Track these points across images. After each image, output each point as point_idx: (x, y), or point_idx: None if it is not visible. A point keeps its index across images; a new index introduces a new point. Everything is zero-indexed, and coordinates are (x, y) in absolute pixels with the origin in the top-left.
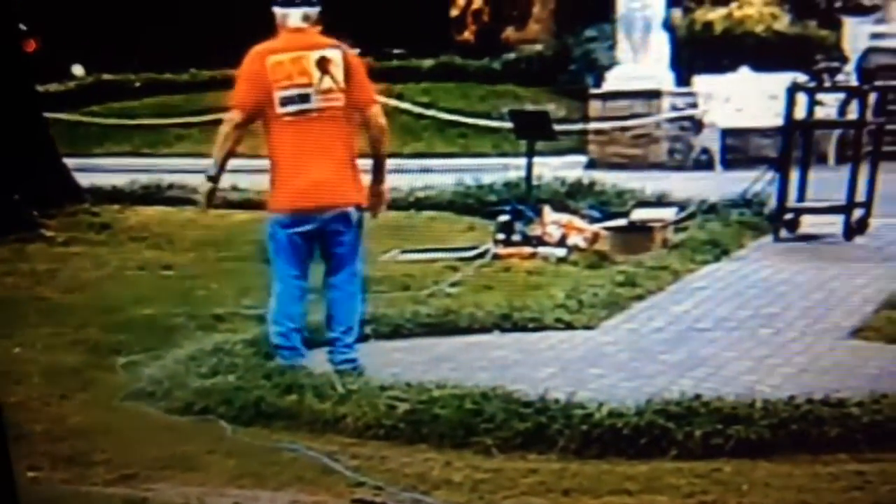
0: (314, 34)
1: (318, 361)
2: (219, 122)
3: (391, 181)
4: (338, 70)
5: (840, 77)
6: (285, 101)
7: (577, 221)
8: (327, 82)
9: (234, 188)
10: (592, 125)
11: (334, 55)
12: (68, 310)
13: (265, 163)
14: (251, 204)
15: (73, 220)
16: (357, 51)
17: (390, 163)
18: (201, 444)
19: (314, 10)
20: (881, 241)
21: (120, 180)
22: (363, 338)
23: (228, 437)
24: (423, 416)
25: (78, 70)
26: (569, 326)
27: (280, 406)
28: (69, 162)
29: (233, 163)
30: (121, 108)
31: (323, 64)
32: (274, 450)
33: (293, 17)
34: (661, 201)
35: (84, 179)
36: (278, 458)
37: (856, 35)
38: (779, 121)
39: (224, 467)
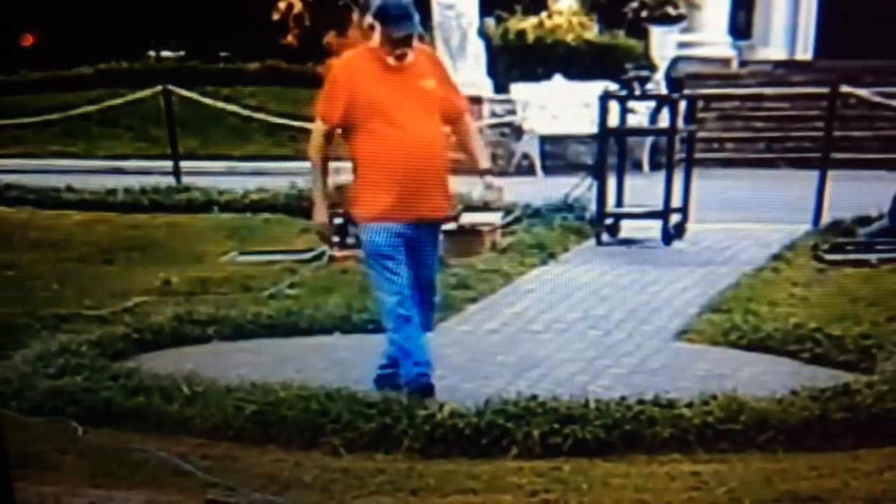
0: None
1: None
2: (53, 123)
3: (225, 183)
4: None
5: (650, 85)
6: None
7: None
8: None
9: (69, 189)
10: None
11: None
12: None
13: (99, 164)
14: (87, 204)
15: None
16: (182, 53)
17: (222, 165)
18: (54, 444)
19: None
20: (698, 245)
21: None
22: (206, 339)
23: (80, 437)
24: (270, 417)
25: None
26: None
27: (128, 407)
28: None
29: (69, 163)
30: None
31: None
32: (126, 450)
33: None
34: (487, 206)
35: None
36: (130, 458)
37: (663, 44)
38: (594, 128)
39: (78, 467)
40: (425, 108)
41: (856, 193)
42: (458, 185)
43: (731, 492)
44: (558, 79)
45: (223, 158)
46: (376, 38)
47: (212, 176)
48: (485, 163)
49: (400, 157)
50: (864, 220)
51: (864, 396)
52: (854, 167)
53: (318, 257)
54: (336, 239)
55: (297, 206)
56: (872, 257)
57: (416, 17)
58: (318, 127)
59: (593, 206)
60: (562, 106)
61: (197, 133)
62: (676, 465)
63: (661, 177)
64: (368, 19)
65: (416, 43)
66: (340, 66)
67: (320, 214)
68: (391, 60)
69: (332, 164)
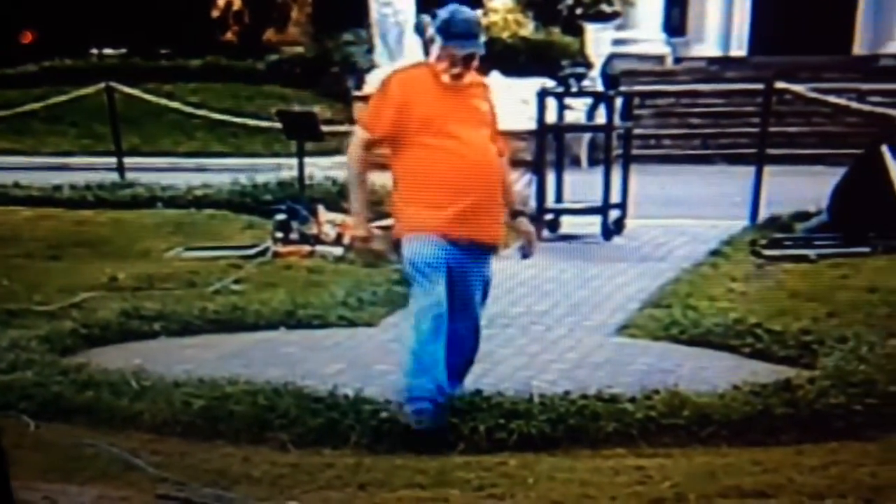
0: None
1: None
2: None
3: (168, 179)
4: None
5: (586, 82)
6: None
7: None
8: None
9: (17, 185)
10: None
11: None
12: None
13: (45, 160)
14: (34, 200)
15: None
16: (124, 50)
17: (165, 161)
18: (7, 438)
19: None
20: (638, 241)
21: None
22: (153, 334)
23: (32, 432)
24: (218, 412)
25: None
26: (351, 324)
27: (78, 402)
28: None
29: (15, 160)
30: None
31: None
32: (77, 445)
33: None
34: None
35: None
36: (82, 453)
37: (598, 41)
38: (532, 124)
39: (31, 462)
40: (482, 125)
41: (793, 189)
42: None
43: (675, 486)
44: (495, 75)
45: (166, 155)
46: (435, 52)
47: (155, 172)
48: (519, 204)
49: (455, 171)
50: (802, 216)
51: (805, 392)
52: (791, 163)
53: (263, 253)
54: (280, 235)
55: (241, 202)
56: (811, 253)
57: (482, 38)
58: (360, 136)
59: (533, 202)
60: (499, 102)
61: (140, 129)
62: (621, 460)
63: (599, 173)
64: (430, 31)
65: (475, 64)
66: (396, 78)
67: (361, 228)
68: (447, 79)
69: (278, 161)
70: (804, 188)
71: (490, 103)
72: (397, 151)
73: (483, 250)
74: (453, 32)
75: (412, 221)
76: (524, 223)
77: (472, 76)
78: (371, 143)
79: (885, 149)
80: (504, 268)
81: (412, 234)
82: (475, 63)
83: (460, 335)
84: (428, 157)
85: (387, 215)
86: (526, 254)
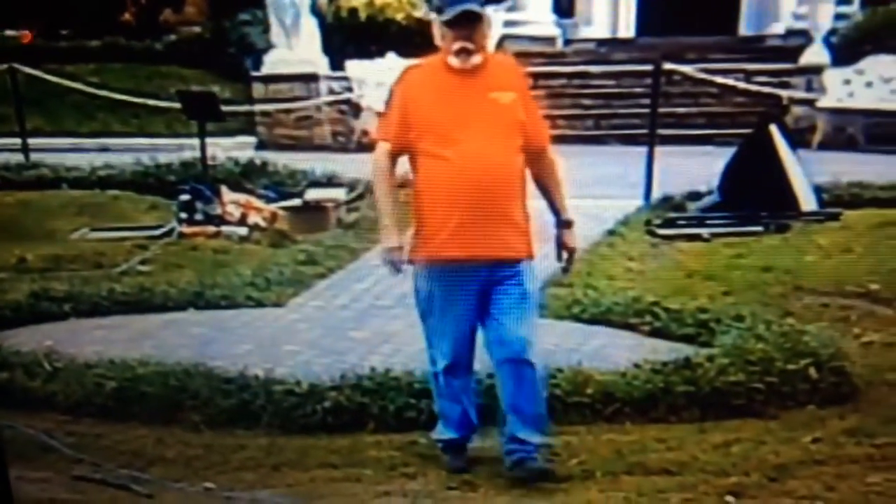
0: None
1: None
2: None
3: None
4: None
5: None
6: None
7: (255, 201)
8: None
9: None
10: (258, 107)
11: None
12: None
13: None
14: None
15: None
16: (26, 31)
17: (68, 142)
18: None
19: None
20: (537, 221)
21: None
22: (63, 315)
23: None
24: (130, 393)
25: None
26: (259, 304)
27: None
28: None
29: None
30: None
31: None
32: None
33: None
34: (331, 182)
35: None
36: None
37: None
38: None
39: None
40: (495, 123)
41: (685, 169)
42: (300, 162)
43: (582, 464)
44: (392, 56)
45: (69, 135)
46: (437, 35)
47: (59, 153)
48: (567, 212)
49: (456, 183)
50: (694, 195)
51: (705, 370)
52: (681, 143)
53: (168, 233)
54: (184, 215)
55: (144, 182)
56: (704, 232)
57: None
58: (379, 146)
59: None
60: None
61: (43, 110)
62: None
63: None
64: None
65: (483, 38)
66: (404, 75)
67: (389, 240)
68: (455, 61)
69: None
70: (695, 168)
71: (519, 88)
72: (412, 163)
73: (504, 269)
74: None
75: (418, 247)
76: (567, 236)
77: (487, 56)
78: (391, 153)
79: (774, 128)
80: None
81: (419, 262)
82: (481, 33)
83: (506, 374)
84: (429, 165)
85: (290, 195)
86: (566, 269)
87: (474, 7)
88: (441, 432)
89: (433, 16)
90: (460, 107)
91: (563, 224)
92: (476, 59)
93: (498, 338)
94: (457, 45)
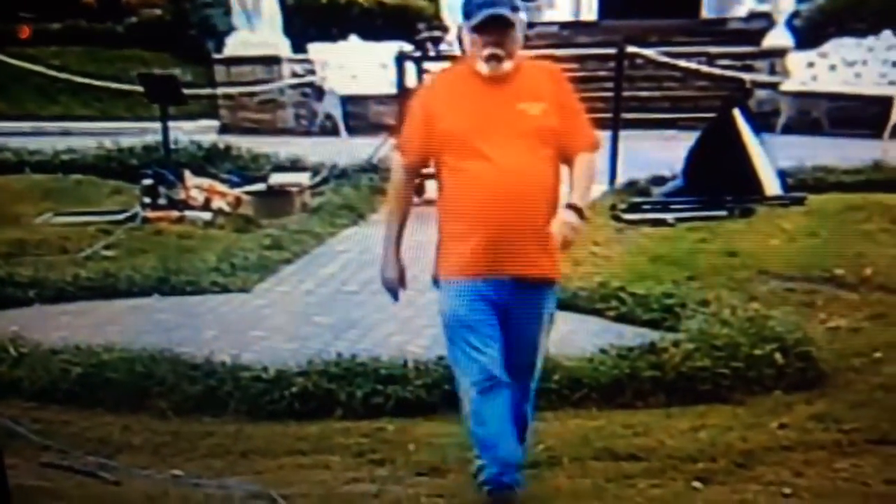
0: None
1: None
2: None
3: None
4: None
5: (443, 46)
6: None
7: (219, 186)
8: None
9: None
10: (220, 90)
11: None
12: None
13: None
14: None
15: None
16: None
17: (30, 125)
18: None
19: None
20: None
21: None
22: (28, 301)
23: None
24: (96, 380)
25: None
26: (224, 289)
27: None
28: None
29: None
30: None
31: None
32: None
33: None
34: (295, 166)
35: None
36: None
37: (452, 6)
38: (393, 88)
39: None
40: (523, 135)
41: (649, 153)
42: (263, 145)
43: (549, 450)
44: (354, 39)
45: (32, 118)
46: (466, 41)
47: (21, 137)
48: (578, 199)
49: (481, 198)
50: (659, 180)
51: (671, 355)
52: (645, 127)
53: (132, 218)
54: (147, 200)
55: (107, 166)
56: (669, 217)
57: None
58: (396, 160)
59: None
60: (360, 66)
61: (4, 94)
62: None
63: None
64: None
65: (514, 44)
66: (428, 83)
67: (389, 269)
68: (484, 68)
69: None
70: (659, 152)
71: (553, 95)
72: (438, 178)
73: (529, 289)
74: (474, 4)
75: (443, 263)
76: (567, 214)
77: (521, 62)
78: (408, 168)
79: (737, 112)
80: (372, 233)
81: (445, 279)
82: (512, 38)
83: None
84: (454, 179)
85: (254, 180)
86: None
87: (505, 12)
88: (487, 473)
89: (461, 21)
90: (486, 117)
91: (570, 206)
92: (507, 65)
93: (507, 361)
94: (486, 52)
